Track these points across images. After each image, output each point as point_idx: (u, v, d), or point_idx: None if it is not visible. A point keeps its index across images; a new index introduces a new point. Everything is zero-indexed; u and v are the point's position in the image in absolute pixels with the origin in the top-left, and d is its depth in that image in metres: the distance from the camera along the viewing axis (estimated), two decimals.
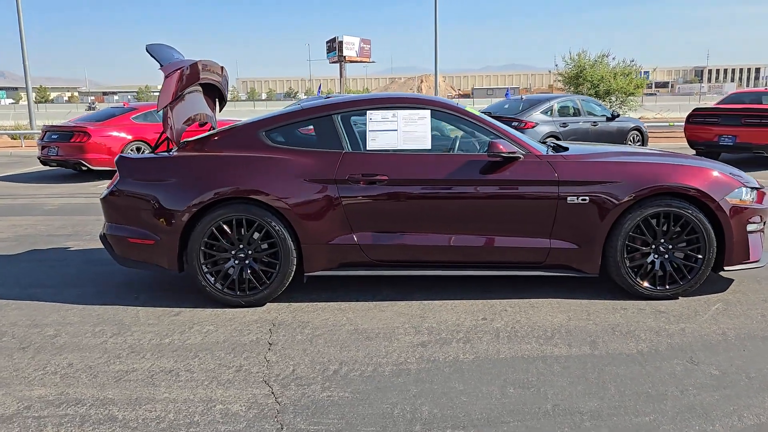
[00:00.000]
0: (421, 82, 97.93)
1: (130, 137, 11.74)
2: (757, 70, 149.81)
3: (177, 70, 4.46)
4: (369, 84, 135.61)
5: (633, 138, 13.16)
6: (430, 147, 4.34)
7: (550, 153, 4.41)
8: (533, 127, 11.18)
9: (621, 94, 19.08)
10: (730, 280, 4.69)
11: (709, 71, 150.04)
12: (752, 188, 4.39)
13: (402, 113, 4.39)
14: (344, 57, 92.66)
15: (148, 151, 11.84)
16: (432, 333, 3.77)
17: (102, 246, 6.09)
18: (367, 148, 4.33)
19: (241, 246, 4.23)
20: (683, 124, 13.30)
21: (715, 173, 4.31)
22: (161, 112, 4.43)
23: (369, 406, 2.91)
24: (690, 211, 4.18)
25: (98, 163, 11.40)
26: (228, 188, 4.16)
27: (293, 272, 4.27)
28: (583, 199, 4.19)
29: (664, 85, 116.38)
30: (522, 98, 12.71)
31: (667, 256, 4.27)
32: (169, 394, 3.06)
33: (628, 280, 4.25)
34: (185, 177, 4.25)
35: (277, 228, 4.17)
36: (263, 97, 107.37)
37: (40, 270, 5.33)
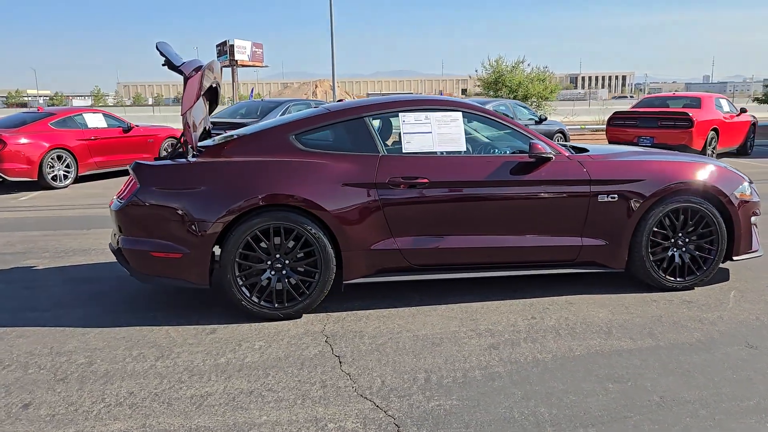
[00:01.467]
0: (316, 87, 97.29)
1: (48, 145, 10.82)
2: (624, 77, 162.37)
3: (196, 71, 4.17)
4: (261, 89, 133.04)
5: (558, 139, 13.83)
6: (465, 149, 4.34)
7: (575, 153, 4.54)
8: None
9: (537, 98, 20.05)
10: (726, 270, 5.03)
11: (583, 78, 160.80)
12: (749, 182, 4.75)
13: (434, 115, 4.35)
14: (236, 61, 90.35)
15: (68, 161, 10.99)
16: (494, 335, 3.76)
17: (77, 263, 5.59)
18: (403, 151, 4.26)
19: (277, 256, 4.02)
20: (595, 127, 14.15)
21: (724, 170, 4.62)
22: (183, 116, 4.11)
23: (485, 412, 2.85)
24: (705, 206, 4.45)
25: (15, 173, 10.42)
26: (266, 195, 3.93)
27: (332, 280, 4.11)
28: (612, 197, 4.35)
29: None
30: None
31: (684, 249, 4.52)
32: (267, 416, 2.84)
33: (653, 273, 4.46)
34: (217, 184, 3.98)
35: (317, 235, 4.00)
36: (150, 102, 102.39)
37: (18, 293, 4.77)
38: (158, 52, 4.24)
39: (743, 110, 14.16)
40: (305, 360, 3.45)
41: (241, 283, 3.99)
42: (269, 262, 4.02)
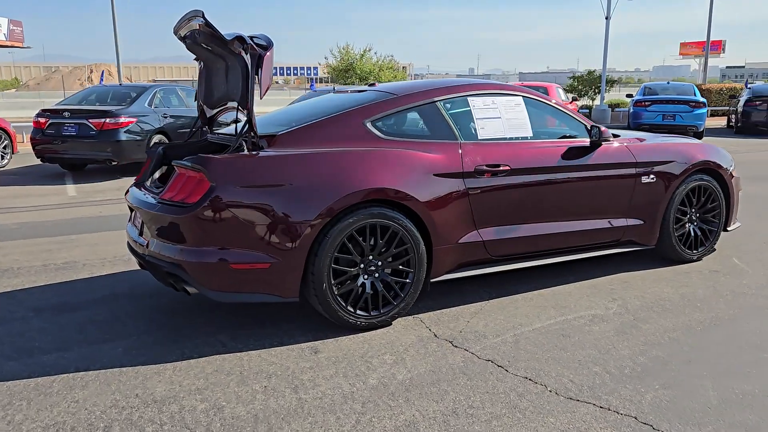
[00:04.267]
0: (91, 72, 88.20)
1: None
2: (404, 68, 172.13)
3: (262, 48, 3.51)
4: (20, 73, 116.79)
5: None
6: (531, 134, 4.24)
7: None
8: None
9: None
10: None
11: None
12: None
13: (499, 100, 4.19)
14: None
15: None
16: (604, 320, 3.76)
17: (23, 286, 4.45)
18: (479, 138, 4.04)
19: (371, 257, 3.58)
20: None
21: (721, 149, 5.11)
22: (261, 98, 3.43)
23: (702, 395, 2.84)
24: (713, 183, 4.90)
25: None
26: (365, 189, 3.46)
27: (424, 280, 3.78)
28: (651, 178, 4.58)
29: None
30: (335, 89, 12.70)
31: (695, 223, 4.93)
32: None
33: (677, 247, 4.80)
34: (310, 178, 3.40)
35: (412, 232, 3.64)
36: None
37: (6, 331, 3.66)
38: (204, 23, 3.47)
39: (574, 98, 15.87)
40: (463, 370, 3.12)
41: (337, 291, 3.48)
42: (362, 266, 3.56)
